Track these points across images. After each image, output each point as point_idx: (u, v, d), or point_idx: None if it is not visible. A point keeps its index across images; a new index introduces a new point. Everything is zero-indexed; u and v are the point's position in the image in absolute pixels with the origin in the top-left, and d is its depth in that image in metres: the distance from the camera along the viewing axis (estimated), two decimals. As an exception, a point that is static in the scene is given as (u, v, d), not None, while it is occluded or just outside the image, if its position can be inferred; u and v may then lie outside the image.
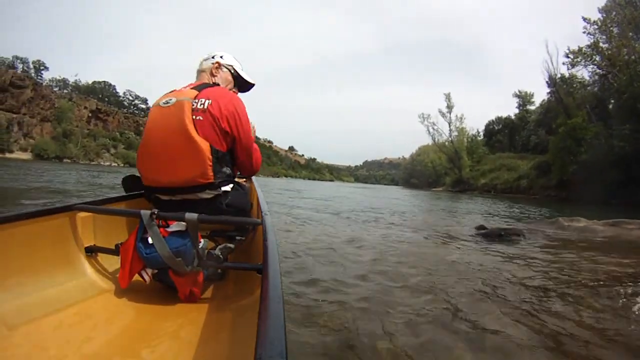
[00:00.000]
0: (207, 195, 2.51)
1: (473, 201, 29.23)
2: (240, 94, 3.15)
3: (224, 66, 3.00)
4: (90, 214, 2.55)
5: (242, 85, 3.18)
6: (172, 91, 2.64)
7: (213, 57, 2.99)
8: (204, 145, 2.36)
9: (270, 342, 0.87)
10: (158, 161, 2.49)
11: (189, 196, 2.50)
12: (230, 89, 2.99)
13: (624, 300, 2.97)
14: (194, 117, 2.39)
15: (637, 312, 2.63)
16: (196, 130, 2.37)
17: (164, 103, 2.49)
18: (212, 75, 2.93)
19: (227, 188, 2.60)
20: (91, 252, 2.50)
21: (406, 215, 11.71)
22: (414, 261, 4.98)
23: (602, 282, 3.64)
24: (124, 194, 3.03)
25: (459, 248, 5.98)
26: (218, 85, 2.81)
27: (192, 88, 2.59)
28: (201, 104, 2.44)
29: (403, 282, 3.91)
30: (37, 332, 1.82)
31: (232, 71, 3.05)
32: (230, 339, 1.85)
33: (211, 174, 2.41)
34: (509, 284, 3.80)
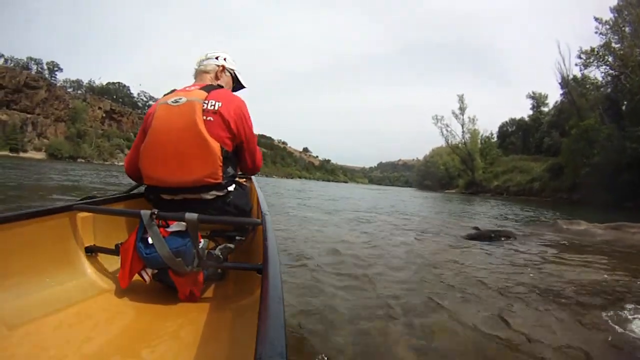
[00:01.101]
0: (210, 196, 2.51)
1: (483, 204, 29.06)
2: (251, 92, 3.24)
3: (227, 69, 3.01)
4: (90, 214, 2.56)
5: (238, 88, 3.23)
6: (174, 90, 2.65)
7: (217, 59, 2.99)
8: (215, 146, 2.37)
9: (270, 342, 0.87)
10: (166, 160, 2.46)
11: (191, 196, 2.50)
12: (229, 85, 3.06)
13: (585, 308, 2.92)
14: (204, 117, 2.41)
15: (600, 322, 2.61)
16: (207, 131, 2.38)
17: (172, 102, 2.47)
18: (217, 77, 2.93)
19: (231, 188, 2.61)
20: (91, 252, 2.50)
21: (407, 217, 11.71)
22: (399, 258, 5.10)
23: (574, 287, 3.57)
24: (124, 193, 3.06)
25: (447, 247, 6.02)
26: (222, 87, 2.82)
27: (200, 89, 2.58)
28: (212, 105, 2.45)
29: (381, 276, 4.03)
30: (37, 332, 1.82)
31: (233, 75, 3.09)
32: (230, 339, 1.86)
33: (220, 174, 2.42)
34: (478, 283, 3.84)
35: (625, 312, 2.66)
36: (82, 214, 2.50)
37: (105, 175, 26.57)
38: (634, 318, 2.51)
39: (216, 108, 2.44)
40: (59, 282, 2.21)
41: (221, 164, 2.41)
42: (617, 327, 2.48)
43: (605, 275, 4.11)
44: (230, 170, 2.56)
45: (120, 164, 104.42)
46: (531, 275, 4.19)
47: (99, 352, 1.77)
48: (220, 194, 2.53)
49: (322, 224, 8.88)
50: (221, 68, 2.96)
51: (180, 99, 2.46)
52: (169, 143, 2.43)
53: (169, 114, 2.46)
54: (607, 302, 3.00)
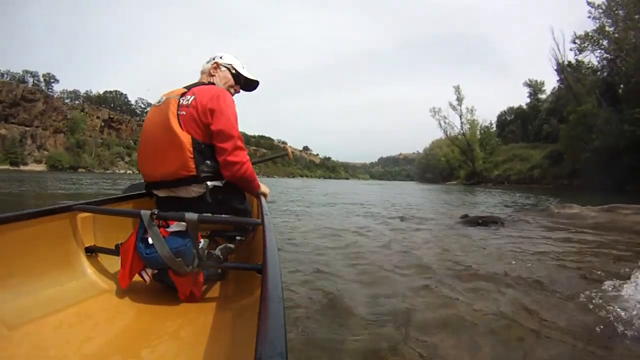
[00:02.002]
0: (196, 190, 2.54)
1: (483, 193, 28.96)
2: (247, 93, 3.27)
3: (222, 65, 3.01)
4: (90, 214, 2.57)
5: (247, 83, 3.19)
6: (168, 92, 2.71)
7: (213, 59, 3.04)
8: (185, 138, 2.39)
9: (270, 342, 0.85)
10: (149, 156, 2.59)
11: (181, 192, 2.54)
12: (230, 86, 3.02)
13: (559, 290, 2.93)
14: (179, 112, 2.46)
15: (574, 304, 2.61)
16: (180, 125, 2.42)
17: (157, 103, 2.60)
18: (210, 75, 2.97)
19: (218, 183, 2.60)
20: (91, 252, 2.51)
21: (401, 209, 11.73)
22: (388, 245, 5.21)
23: (550, 269, 3.58)
24: (124, 194, 3.09)
25: (433, 234, 6.05)
26: (213, 84, 2.86)
27: (183, 87, 2.67)
28: (186, 100, 2.50)
29: (370, 263, 4.10)
30: (37, 332, 1.82)
31: (232, 70, 3.05)
32: (230, 339, 1.86)
33: (192, 165, 2.43)
34: (456, 265, 3.88)
35: (599, 293, 2.66)
36: (82, 215, 2.52)
37: (104, 184, 26.52)
38: (607, 299, 2.51)
39: (190, 102, 2.49)
40: (59, 282, 2.22)
41: (192, 156, 2.41)
42: (590, 307, 2.49)
43: (584, 257, 4.10)
44: (211, 163, 2.53)
45: (122, 171, 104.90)
46: (508, 258, 4.23)
47: (99, 352, 1.79)
48: (202, 189, 2.54)
49: (317, 218, 8.96)
50: (214, 65, 2.99)
51: (162, 99, 2.58)
52: (151, 140, 2.56)
53: (153, 115, 2.58)
54: (582, 283, 3.00)
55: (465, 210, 11.43)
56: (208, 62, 3.04)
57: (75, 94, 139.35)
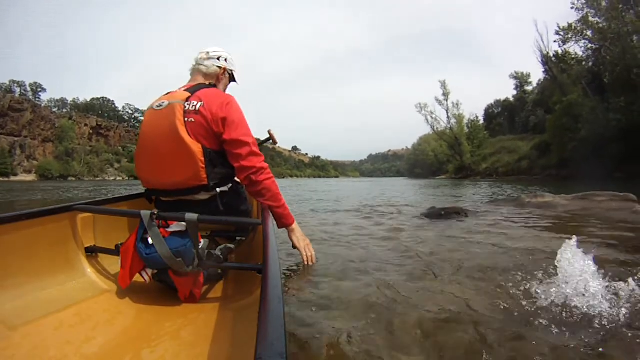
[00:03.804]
0: (203, 196, 2.52)
1: (470, 186, 28.57)
2: (241, 92, 3.24)
3: (227, 71, 2.99)
4: (90, 214, 2.56)
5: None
6: (167, 94, 2.62)
7: (219, 59, 2.93)
8: (196, 147, 2.35)
9: (270, 342, 0.87)
10: (153, 164, 2.52)
11: (186, 197, 2.51)
12: (224, 89, 3.02)
13: (503, 279, 2.86)
14: (185, 119, 2.39)
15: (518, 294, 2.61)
16: (188, 132, 2.36)
17: (157, 106, 2.49)
18: (218, 80, 2.92)
19: (225, 188, 2.60)
20: (91, 252, 2.50)
21: (377, 203, 11.60)
22: (345, 235, 5.14)
23: (498, 259, 3.54)
24: (124, 194, 3.06)
25: (394, 226, 5.75)
26: (214, 86, 2.81)
27: (185, 90, 2.57)
28: (193, 106, 2.43)
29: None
30: (37, 333, 1.82)
31: (231, 74, 3.06)
32: (230, 339, 1.85)
33: (204, 175, 2.40)
34: (408, 256, 3.76)
35: (528, 283, 2.63)
36: (82, 215, 2.51)
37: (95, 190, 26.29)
38: (542, 288, 2.51)
39: (197, 108, 2.42)
40: (59, 283, 2.23)
41: (203, 165, 2.38)
42: (528, 296, 2.47)
43: (533, 245, 3.87)
44: (220, 170, 2.52)
45: (111, 178, 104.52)
46: (454, 246, 4.20)
47: (99, 353, 1.79)
48: (209, 195, 2.53)
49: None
50: (222, 71, 2.94)
51: (163, 102, 2.47)
52: (153, 147, 2.48)
53: (153, 119, 2.50)
54: (516, 272, 2.89)
55: (439, 202, 11.21)
56: (210, 58, 2.92)
57: (62, 102, 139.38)
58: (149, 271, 2.29)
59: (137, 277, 2.29)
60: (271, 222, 2.28)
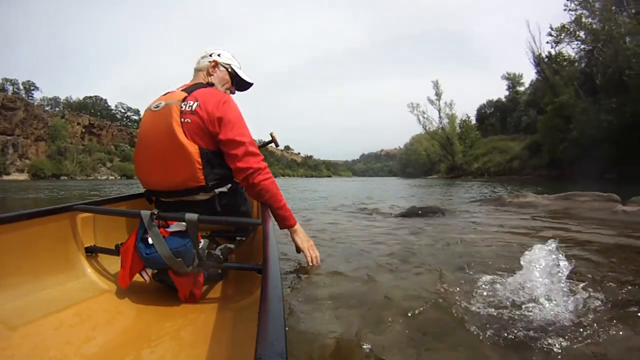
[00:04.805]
0: (202, 197, 2.52)
1: (460, 186, 28.39)
2: (238, 93, 3.14)
3: (221, 64, 2.93)
4: (90, 214, 2.55)
5: (240, 84, 3.11)
6: (165, 94, 2.61)
7: (210, 55, 2.93)
8: (192, 149, 2.34)
9: (270, 342, 0.86)
10: (151, 165, 2.51)
11: (185, 198, 2.50)
12: (227, 88, 2.97)
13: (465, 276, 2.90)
14: (182, 119, 2.37)
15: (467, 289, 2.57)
16: (184, 133, 2.35)
17: (154, 107, 2.48)
18: (209, 74, 2.88)
19: (224, 189, 2.60)
20: (91, 252, 2.50)
21: (361, 202, 11.49)
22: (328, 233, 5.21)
23: (466, 256, 3.55)
24: (124, 194, 3.05)
25: (371, 224, 6.04)
26: (212, 85, 2.79)
27: (182, 90, 2.56)
28: (189, 106, 2.41)
29: None
30: (37, 333, 1.82)
31: (230, 70, 2.98)
32: (230, 339, 1.85)
33: (202, 177, 2.40)
34: (363, 251, 3.89)
35: (489, 282, 2.59)
36: (82, 215, 2.51)
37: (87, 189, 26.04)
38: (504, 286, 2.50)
39: (194, 108, 2.41)
40: (59, 283, 2.23)
41: (200, 167, 2.37)
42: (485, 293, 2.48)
43: (502, 243, 4.13)
44: (218, 170, 2.51)
45: (104, 177, 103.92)
46: (422, 245, 4.23)
47: (99, 353, 1.79)
48: (208, 196, 2.53)
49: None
50: (213, 64, 2.89)
51: (160, 103, 2.46)
52: (151, 149, 2.48)
53: (151, 120, 2.49)
54: (479, 270, 2.86)
55: (424, 202, 11.45)
56: (204, 57, 2.94)
57: (55, 101, 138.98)
58: (149, 271, 2.30)
59: (137, 277, 2.29)
60: (271, 222, 2.25)
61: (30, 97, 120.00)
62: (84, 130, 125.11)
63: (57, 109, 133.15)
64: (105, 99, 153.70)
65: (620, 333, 1.94)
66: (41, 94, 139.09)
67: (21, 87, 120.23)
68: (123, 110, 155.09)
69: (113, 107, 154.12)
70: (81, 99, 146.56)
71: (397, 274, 3.08)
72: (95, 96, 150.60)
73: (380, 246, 4.15)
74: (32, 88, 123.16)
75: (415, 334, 1.99)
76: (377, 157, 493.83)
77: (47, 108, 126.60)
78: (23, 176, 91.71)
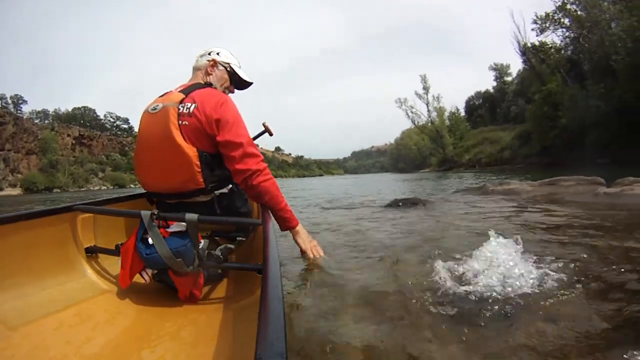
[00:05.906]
0: (202, 199, 2.51)
1: (451, 178, 28.16)
2: (237, 92, 3.13)
3: (220, 63, 2.91)
4: (90, 214, 2.54)
5: (239, 83, 3.09)
6: (162, 95, 2.60)
7: (209, 54, 2.91)
8: (191, 151, 2.33)
9: (270, 342, 0.86)
10: (150, 168, 2.51)
11: (185, 200, 2.50)
12: (226, 87, 2.96)
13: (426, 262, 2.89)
14: (180, 122, 2.35)
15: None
16: (182, 136, 2.34)
17: (152, 109, 2.46)
18: (207, 73, 2.86)
19: (224, 190, 2.61)
20: (91, 252, 2.49)
21: (348, 197, 11.43)
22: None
23: (436, 244, 3.50)
24: (124, 195, 3.05)
25: (353, 217, 6.14)
26: (211, 85, 2.75)
27: (180, 91, 2.54)
28: (187, 108, 2.39)
29: None
30: (37, 333, 1.81)
31: (229, 69, 2.96)
32: (230, 339, 1.83)
33: (201, 179, 2.39)
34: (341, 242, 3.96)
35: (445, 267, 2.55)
36: (82, 215, 2.50)
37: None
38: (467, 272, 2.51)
39: (191, 110, 2.39)
40: (59, 283, 2.22)
41: (199, 169, 2.37)
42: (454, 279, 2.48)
43: (474, 230, 4.12)
44: (217, 172, 2.51)
45: (96, 188, 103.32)
46: (396, 234, 4.27)
47: (99, 353, 1.80)
48: (208, 198, 2.53)
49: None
50: (212, 62, 2.88)
51: (157, 105, 2.44)
52: (150, 151, 2.47)
53: (148, 123, 2.47)
54: (441, 256, 2.78)
55: (410, 194, 11.42)
56: (202, 56, 2.92)
57: (44, 114, 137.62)
58: (149, 271, 2.31)
59: (137, 277, 2.30)
60: (271, 222, 2.23)
61: (19, 111, 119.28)
62: (74, 141, 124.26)
63: (46, 121, 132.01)
64: (94, 109, 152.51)
65: (577, 311, 1.96)
66: (29, 107, 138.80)
67: (9, 101, 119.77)
68: (112, 120, 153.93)
69: (102, 116, 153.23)
70: (70, 110, 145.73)
71: (397, 265, 3.02)
72: (84, 107, 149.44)
73: (367, 239, 4.16)
74: (20, 102, 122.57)
75: (417, 332, 1.98)
76: (368, 154, 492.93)
77: (36, 121, 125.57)
78: (16, 191, 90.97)
